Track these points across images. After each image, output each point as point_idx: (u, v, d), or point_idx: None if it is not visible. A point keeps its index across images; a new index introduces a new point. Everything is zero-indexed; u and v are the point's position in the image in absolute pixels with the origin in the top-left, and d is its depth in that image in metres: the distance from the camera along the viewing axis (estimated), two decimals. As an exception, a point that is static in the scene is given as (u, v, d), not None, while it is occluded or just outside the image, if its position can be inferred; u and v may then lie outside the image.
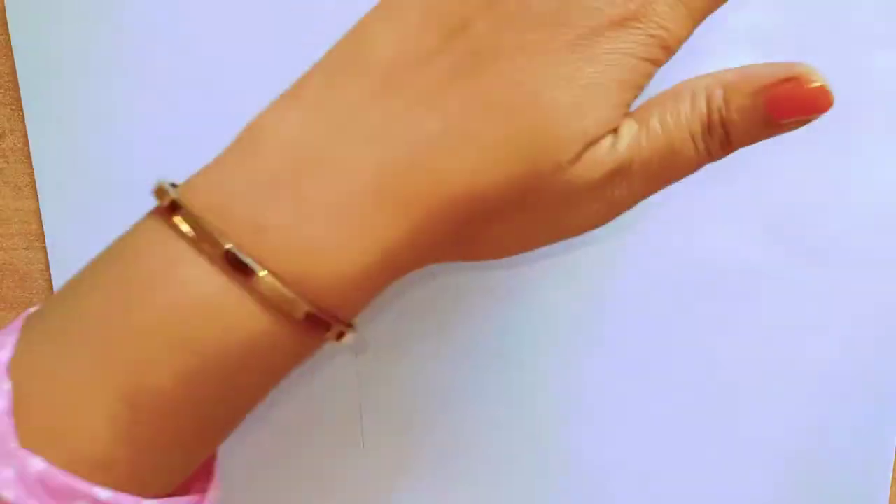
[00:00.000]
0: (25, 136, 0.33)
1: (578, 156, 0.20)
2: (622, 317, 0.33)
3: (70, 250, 0.33)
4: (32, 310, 0.23)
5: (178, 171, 0.32)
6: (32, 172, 0.33)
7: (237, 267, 0.20)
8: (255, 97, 0.31)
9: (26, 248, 0.34)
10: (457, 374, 0.34)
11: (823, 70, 0.30)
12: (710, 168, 0.23)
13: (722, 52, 0.31)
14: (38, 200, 0.33)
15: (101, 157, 0.32)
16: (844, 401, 0.33)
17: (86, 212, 0.33)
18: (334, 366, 0.34)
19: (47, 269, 0.34)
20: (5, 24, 0.32)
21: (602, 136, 0.21)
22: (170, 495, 0.22)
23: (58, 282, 0.33)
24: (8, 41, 0.32)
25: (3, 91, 0.32)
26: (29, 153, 0.33)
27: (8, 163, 0.33)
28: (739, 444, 0.34)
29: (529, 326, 0.33)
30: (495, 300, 0.33)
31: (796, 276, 0.33)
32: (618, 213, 0.23)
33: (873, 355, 0.33)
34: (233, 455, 0.34)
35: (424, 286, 0.33)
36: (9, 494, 0.19)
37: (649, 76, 0.21)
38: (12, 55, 0.32)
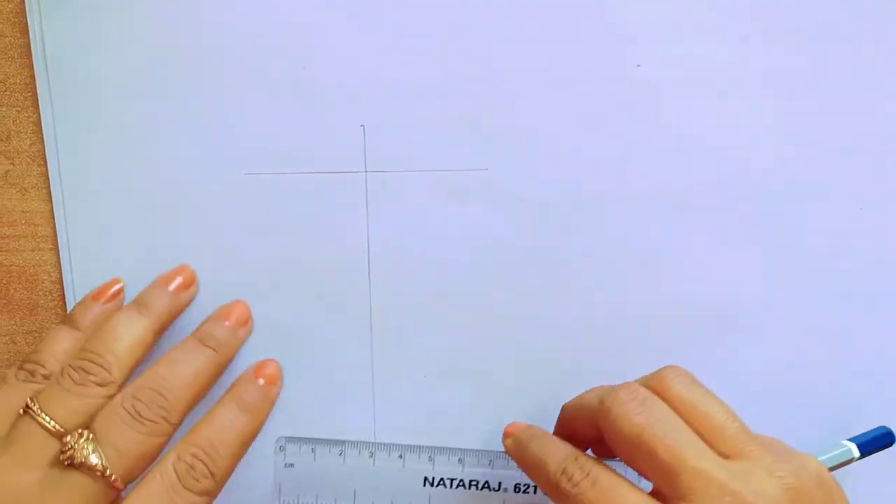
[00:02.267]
0: (31, 137, 0.32)
1: None
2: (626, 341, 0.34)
3: (85, 252, 0.33)
4: None
5: (190, 173, 0.32)
6: (39, 174, 0.33)
7: None
8: (266, 100, 0.32)
9: (33, 250, 0.33)
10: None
11: (825, 111, 0.32)
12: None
13: (738, 95, 0.32)
14: (45, 202, 0.33)
15: (118, 161, 0.32)
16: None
17: (101, 214, 0.33)
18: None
19: (55, 270, 0.34)
20: (21, 27, 0.31)
21: None
22: None
23: (68, 282, 0.33)
24: (17, 44, 0.31)
25: (10, 93, 0.32)
26: (34, 155, 0.32)
27: (14, 164, 0.33)
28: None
29: (532, 364, 0.34)
30: (500, 336, 0.34)
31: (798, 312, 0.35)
32: None
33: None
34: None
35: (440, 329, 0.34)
36: None
37: None
38: (24, 58, 0.31)
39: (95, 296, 0.32)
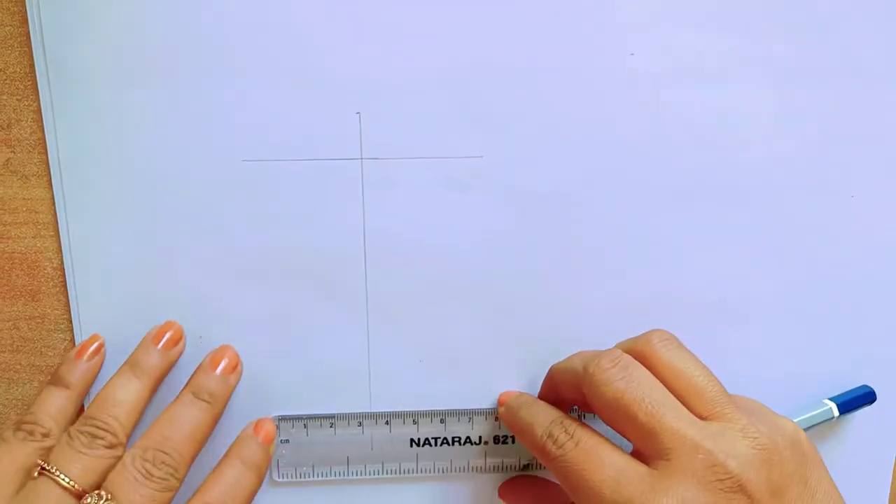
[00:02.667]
0: (32, 126, 0.33)
1: None
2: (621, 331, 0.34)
3: (85, 239, 0.33)
4: None
5: (188, 160, 0.33)
6: (39, 162, 0.33)
7: None
8: (263, 87, 0.32)
9: (34, 237, 0.34)
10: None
11: (818, 101, 0.32)
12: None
13: (732, 85, 0.32)
14: (46, 189, 0.33)
15: (117, 148, 0.32)
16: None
17: (101, 201, 0.33)
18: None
19: (56, 257, 0.34)
20: (20, 17, 0.31)
21: None
22: None
23: (69, 268, 0.34)
24: (16, 33, 0.32)
25: (10, 81, 0.32)
26: (35, 143, 0.33)
27: (15, 152, 0.33)
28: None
29: (527, 351, 0.35)
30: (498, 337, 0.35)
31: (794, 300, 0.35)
32: None
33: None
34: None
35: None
36: None
37: None
38: (24, 47, 0.32)
39: (78, 354, 0.33)
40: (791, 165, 0.34)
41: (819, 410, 0.35)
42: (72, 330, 0.34)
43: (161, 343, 0.33)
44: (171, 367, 0.34)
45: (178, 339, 0.33)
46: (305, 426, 0.35)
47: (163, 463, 0.30)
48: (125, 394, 0.32)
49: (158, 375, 0.33)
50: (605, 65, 0.32)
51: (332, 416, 0.35)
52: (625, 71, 0.32)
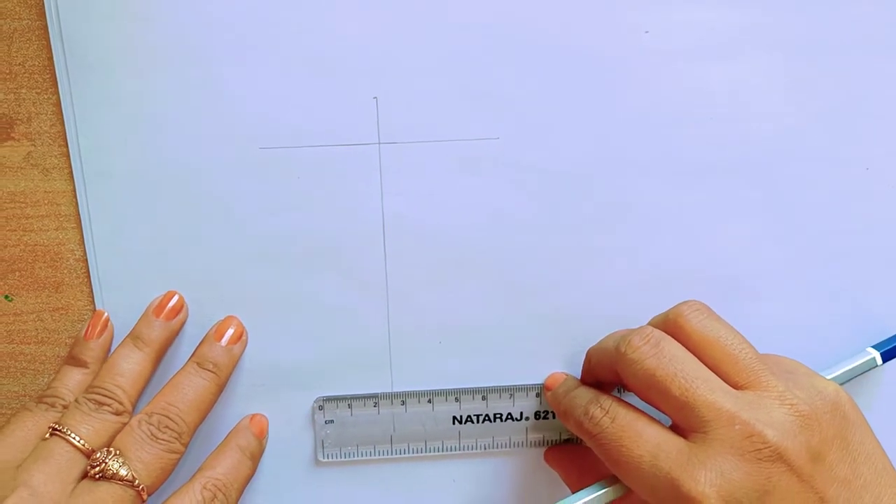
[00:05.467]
0: (52, 119, 0.33)
1: None
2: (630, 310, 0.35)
3: (107, 229, 0.34)
4: None
5: (207, 148, 0.33)
6: (60, 154, 0.33)
7: None
8: (280, 74, 0.32)
9: (57, 230, 0.34)
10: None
11: (831, 74, 0.32)
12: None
13: (746, 60, 0.32)
14: (67, 182, 0.34)
15: (136, 138, 0.33)
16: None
17: (121, 192, 0.33)
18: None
19: (79, 248, 0.34)
20: (38, 10, 0.32)
21: None
22: None
23: (92, 259, 0.34)
24: (34, 27, 0.32)
25: (29, 75, 0.32)
26: (55, 136, 0.33)
27: (35, 146, 0.33)
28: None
29: (544, 330, 0.35)
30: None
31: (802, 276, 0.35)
32: None
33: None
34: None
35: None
36: None
37: None
38: (42, 40, 0.32)
39: (87, 334, 0.35)
40: (805, 139, 0.34)
41: (862, 360, 0.33)
42: (96, 320, 0.35)
43: (162, 314, 0.34)
44: (173, 336, 0.34)
45: (178, 309, 0.34)
46: (350, 406, 0.36)
47: (167, 428, 0.31)
48: (128, 364, 0.33)
49: (160, 346, 0.34)
50: (620, 43, 0.32)
51: (375, 396, 0.36)
52: (640, 49, 0.32)
